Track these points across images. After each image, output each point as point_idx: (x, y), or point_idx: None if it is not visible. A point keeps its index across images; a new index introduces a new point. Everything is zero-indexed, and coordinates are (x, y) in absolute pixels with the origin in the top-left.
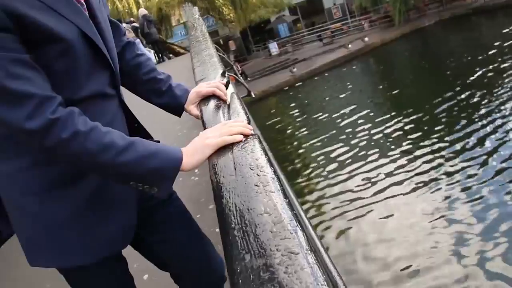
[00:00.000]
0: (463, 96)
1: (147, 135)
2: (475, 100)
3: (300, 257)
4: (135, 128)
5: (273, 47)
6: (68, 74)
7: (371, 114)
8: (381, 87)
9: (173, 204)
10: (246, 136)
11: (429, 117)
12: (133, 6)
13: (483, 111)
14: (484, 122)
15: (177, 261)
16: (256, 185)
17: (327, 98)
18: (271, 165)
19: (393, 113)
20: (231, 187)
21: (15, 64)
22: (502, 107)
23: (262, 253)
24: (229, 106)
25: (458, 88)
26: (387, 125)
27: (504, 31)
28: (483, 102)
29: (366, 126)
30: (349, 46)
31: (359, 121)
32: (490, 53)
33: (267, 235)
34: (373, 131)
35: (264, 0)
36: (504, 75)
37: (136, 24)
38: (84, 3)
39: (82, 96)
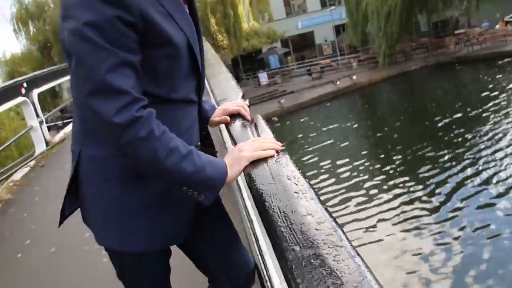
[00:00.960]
0: (443, 140)
1: (211, 144)
2: (454, 145)
3: (344, 250)
4: (204, 135)
5: (263, 77)
6: (168, 76)
7: (354, 150)
8: (365, 125)
9: (219, 208)
10: (277, 151)
11: (409, 157)
12: None
13: (462, 153)
14: (463, 163)
15: (218, 260)
16: (296, 192)
17: (312, 131)
18: (305, 177)
19: (375, 152)
20: (272, 193)
21: (123, 64)
22: (481, 151)
23: (310, 245)
24: (256, 124)
25: (439, 133)
26: (367, 163)
27: (484, 80)
28: (462, 147)
29: (346, 161)
30: (338, 82)
31: (342, 155)
32: (470, 99)
33: (313, 232)
34: (354, 167)
35: (258, 30)
36: (482, 121)
37: None
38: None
39: (174, 98)
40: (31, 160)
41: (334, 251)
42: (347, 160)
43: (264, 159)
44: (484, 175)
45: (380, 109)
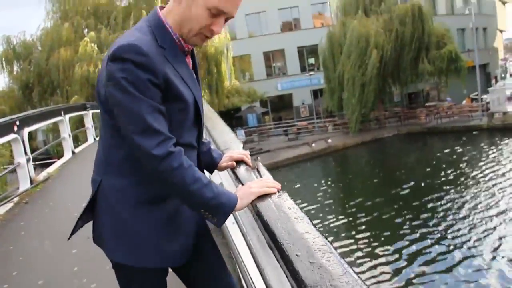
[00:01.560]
0: (409, 205)
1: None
2: (418, 210)
3: (332, 255)
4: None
5: (240, 134)
6: (178, 125)
7: (322, 211)
8: (336, 187)
9: (212, 240)
10: (278, 190)
11: (375, 220)
12: None
13: (426, 219)
14: (427, 229)
15: (209, 285)
16: (295, 218)
17: (286, 190)
18: (301, 209)
19: (342, 213)
20: (276, 219)
21: (156, 111)
22: (445, 217)
23: (308, 252)
24: (257, 169)
25: (406, 198)
26: (335, 223)
27: (451, 151)
28: (426, 212)
29: (316, 222)
30: (313, 144)
31: (310, 215)
32: (437, 168)
33: (310, 244)
34: (324, 226)
35: (239, 88)
36: (447, 189)
37: None
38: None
39: (180, 143)
40: (15, 197)
41: (326, 256)
42: (316, 220)
43: (269, 195)
44: (446, 241)
45: (352, 172)
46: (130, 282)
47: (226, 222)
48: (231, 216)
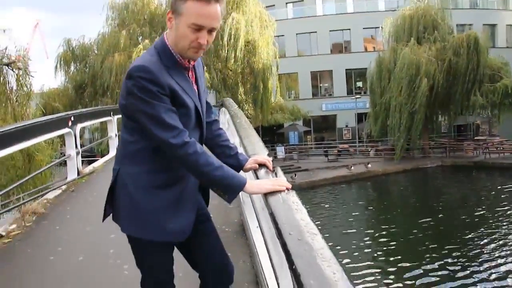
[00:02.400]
0: (443, 238)
1: None
2: (452, 244)
3: (318, 237)
4: None
5: (280, 151)
6: (184, 126)
7: (355, 235)
8: (371, 213)
9: (210, 221)
10: (287, 189)
11: (406, 249)
12: None
13: (461, 254)
14: (458, 265)
15: (206, 260)
16: (296, 209)
17: (320, 210)
18: (303, 203)
19: (374, 240)
20: (280, 208)
21: (169, 110)
22: (479, 255)
23: (301, 233)
24: (276, 173)
25: (441, 231)
26: (367, 249)
27: (496, 186)
28: (461, 249)
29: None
30: (352, 168)
31: (343, 239)
32: (479, 205)
33: (302, 228)
34: (352, 250)
35: (283, 106)
36: (485, 228)
37: None
38: (196, 87)
39: None
40: (63, 185)
41: (311, 236)
42: (347, 244)
43: (279, 191)
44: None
45: (388, 199)
46: (141, 253)
47: (245, 209)
48: (250, 205)
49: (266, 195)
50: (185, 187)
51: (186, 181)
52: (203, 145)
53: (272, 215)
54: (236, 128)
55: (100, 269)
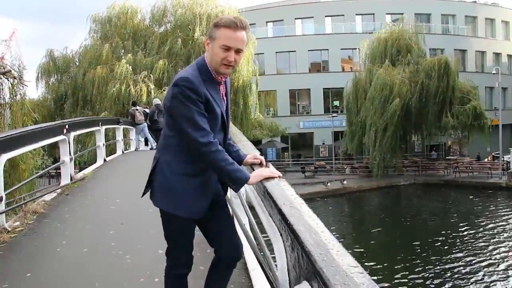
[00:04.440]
0: (414, 253)
1: None
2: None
3: (305, 205)
4: None
5: None
6: (212, 129)
7: None
8: (345, 226)
9: (226, 207)
10: (279, 177)
11: (379, 263)
12: (144, 93)
13: (432, 267)
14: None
15: (221, 239)
16: (286, 189)
17: None
18: (291, 185)
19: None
20: (275, 188)
21: (201, 115)
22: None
23: (291, 203)
24: (268, 165)
25: (415, 248)
26: None
27: (465, 203)
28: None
29: None
30: (328, 184)
31: None
32: (449, 221)
33: (292, 199)
34: None
35: (262, 122)
36: (457, 243)
37: (147, 110)
38: (225, 98)
39: None
40: (57, 189)
41: (300, 205)
42: None
43: (272, 178)
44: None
45: (363, 215)
46: (168, 224)
47: (250, 193)
48: (254, 192)
49: (263, 181)
50: (209, 177)
51: (210, 172)
52: None
53: (268, 193)
54: None
55: (105, 259)
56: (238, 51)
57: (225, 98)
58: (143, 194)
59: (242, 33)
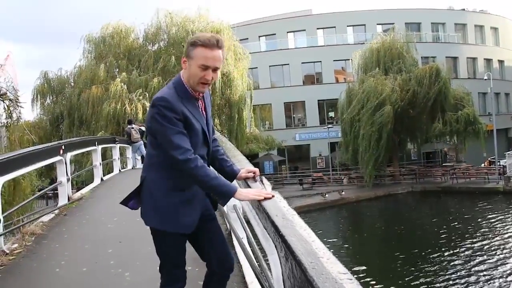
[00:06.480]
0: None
1: None
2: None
3: (297, 216)
4: None
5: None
6: (194, 144)
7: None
8: (344, 237)
9: (216, 220)
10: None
11: (380, 273)
12: (139, 111)
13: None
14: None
15: (212, 252)
16: (280, 201)
17: None
18: (289, 198)
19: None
20: (270, 209)
21: (179, 133)
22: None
23: (283, 215)
24: (262, 181)
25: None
26: None
27: (463, 209)
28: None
29: None
30: (326, 195)
31: None
32: (448, 227)
33: (284, 211)
34: None
35: (257, 136)
36: (456, 249)
37: (143, 128)
38: (204, 113)
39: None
40: (55, 209)
41: (291, 216)
42: None
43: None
44: None
45: (363, 225)
46: (158, 240)
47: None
48: (249, 205)
49: (260, 200)
50: (195, 192)
51: (196, 187)
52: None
53: (262, 206)
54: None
55: (104, 277)
56: (215, 70)
57: (204, 113)
58: (123, 202)
59: (219, 52)
